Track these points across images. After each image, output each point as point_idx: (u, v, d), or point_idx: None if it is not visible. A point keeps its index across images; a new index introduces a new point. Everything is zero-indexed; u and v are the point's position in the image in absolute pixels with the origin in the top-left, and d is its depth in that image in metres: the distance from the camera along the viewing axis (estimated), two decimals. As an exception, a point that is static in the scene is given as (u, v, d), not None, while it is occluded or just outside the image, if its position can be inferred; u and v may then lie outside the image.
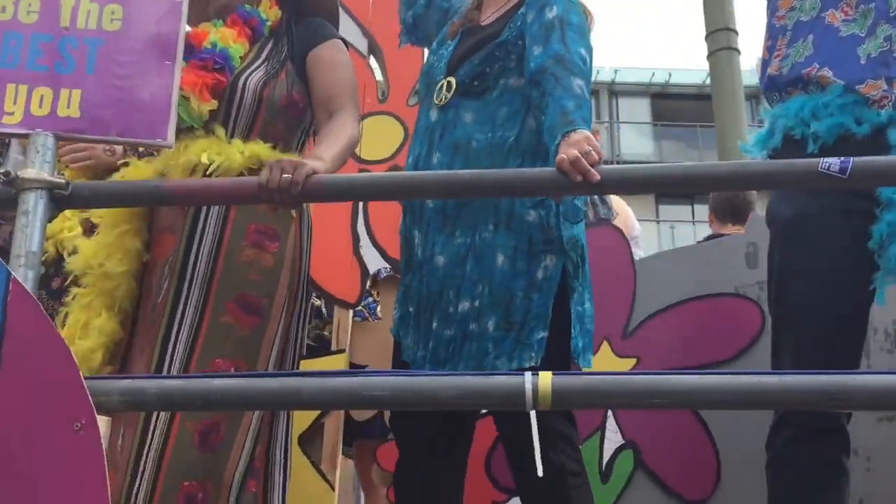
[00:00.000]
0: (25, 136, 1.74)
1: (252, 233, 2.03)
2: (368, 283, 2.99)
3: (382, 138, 3.10)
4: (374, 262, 2.97)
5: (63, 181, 1.71)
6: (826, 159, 1.62)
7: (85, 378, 1.46)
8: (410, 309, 2.16)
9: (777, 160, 1.66)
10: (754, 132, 2.17)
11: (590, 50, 2.09)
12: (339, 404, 1.98)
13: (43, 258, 2.20)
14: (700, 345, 2.90)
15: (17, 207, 1.67)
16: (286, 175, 1.73)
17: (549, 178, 1.70)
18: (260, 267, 2.01)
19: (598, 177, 1.67)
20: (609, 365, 2.88)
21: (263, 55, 2.19)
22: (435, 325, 2.06)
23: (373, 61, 3.25)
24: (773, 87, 2.12)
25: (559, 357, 2.01)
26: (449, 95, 2.16)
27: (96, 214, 2.10)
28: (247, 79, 2.11)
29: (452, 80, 2.17)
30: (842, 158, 1.61)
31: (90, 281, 2.00)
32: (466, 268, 2.05)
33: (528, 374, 1.48)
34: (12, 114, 1.73)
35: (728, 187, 1.92)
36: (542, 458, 1.51)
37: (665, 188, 2.01)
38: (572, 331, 2.04)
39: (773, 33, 2.16)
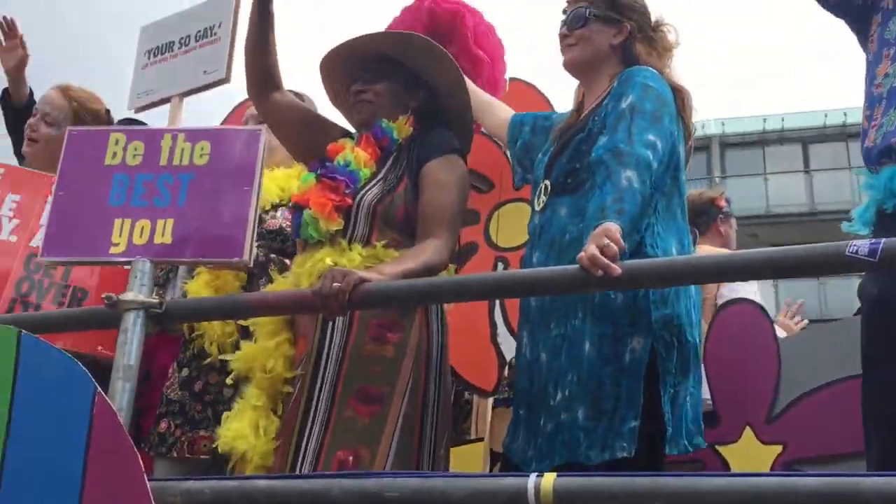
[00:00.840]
0: (127, 262, 2.02)
1: (374, 327, 2.16)
2: (506, 371, 3.05)
3: (518, 226, 3.19)
4: (511, 350, 3.03)
5: (157, 301, 1.97)
6: (855, 242, 1.53)
7: (149, 480, 1.67)
8: (521, 412, 2.22)
9: (807, 245, 1.56)
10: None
11: (662, 134, 2.09)
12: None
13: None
14: (856, 430, 2.69)
15: (119, 326, 1.94)
16: (336, 284, 1.87)
17: (572, 275, 1.71)
18: (381, 358, 2.14)
19: (618, 271, 1.67)
20: (752, 452, 2.74)
21: (383, 171, 2.34)
22: (542, 421, 2.11)
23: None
24: (869, 158, 2.01)
25: (654, 445, 1.99)
26: (545, 199, 2.23)
27: (251, 322, 2.31)
28: (363, 196, 2.28)
29: (548, 182, 2.25)
30: (872, 240, 1.51)
31: (259, 384, 2.22)
32: (561, 359, 2.08)
33: (532, 476, 1.51)
34: (118, 244, 2.02)
35: (761, 276, 1.83)
36: None
37: (694, 280, 1.94)
38: (664, 416, 2.01)
39: (870, 102, 2.06)
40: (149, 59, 3.58)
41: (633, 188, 1.94)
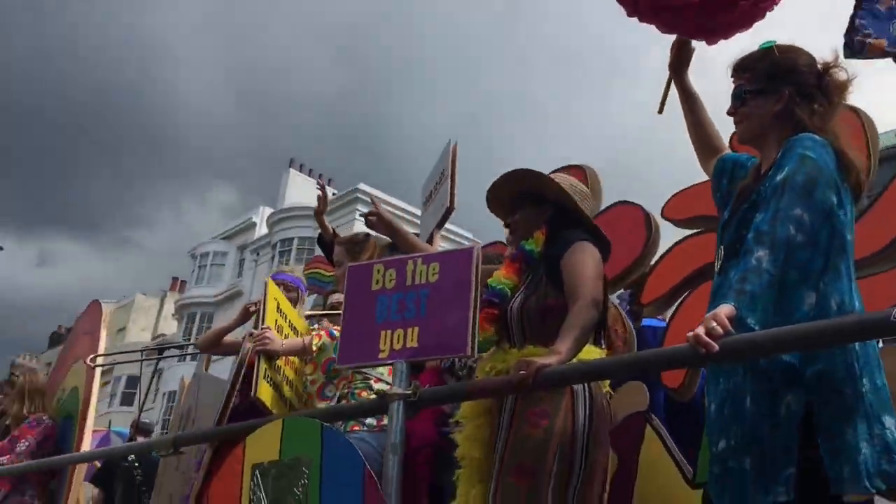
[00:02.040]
0: (390, 363, 2.69)
1: (530, 415, 2.64)
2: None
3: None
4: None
5: (411, 392, 2.60)
6: None
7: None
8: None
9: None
10: None
11: (812, 207, 2.25)
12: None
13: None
14: None
15: (388, 412, 2.60)
16: (522, 372, 2.36)
17: (687, 352, 2.02)
18: (532, 440, 2.60)
19: (715, 348, 1.95)
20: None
21: (526, 280, 2.88)
22: (711, 465, 2.39)
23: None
24: None
25: (814, 489, 2.17)
26: (720, 262, 2.50)
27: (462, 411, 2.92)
28: (512, 304, 2.82)
29: (721, 248, 2.52)
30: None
31: (466, 464, 2.81)
32: (724, 410, 2.35)
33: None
34: (384, 351, 2.70)
35: (848, 340, 1.90)
36: None
37: (775, 351, 2.05)
38: (825, 463, 2.17)
39: None
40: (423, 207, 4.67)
41: (760, 268, 2.15)
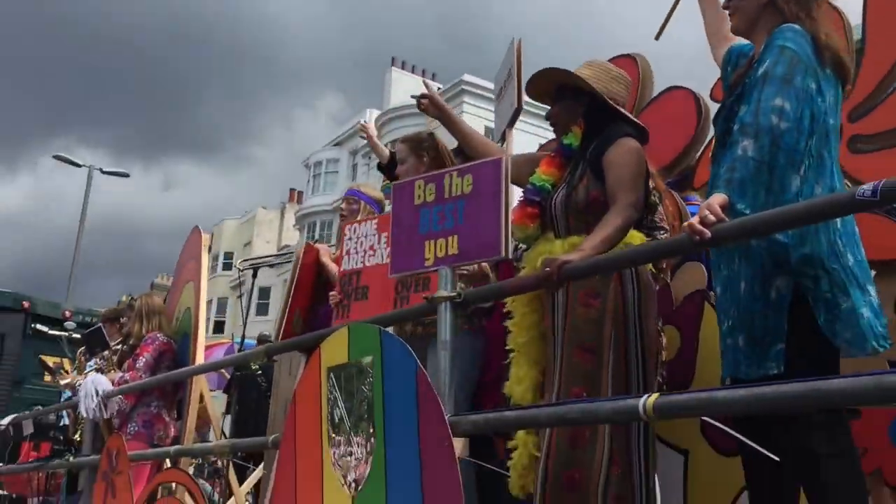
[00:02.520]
0: (435, 270, 2.95)
1: (581, 296, 2.88)
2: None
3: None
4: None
5: (457, 293, 2.87)
6: (863, 186, 1.82)
7: (448, 417, 2.59)
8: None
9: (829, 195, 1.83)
10: None
11: (792, 95, 2.37)
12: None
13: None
14: None
15: (436, 313, 2.88)
16: (547, 269, 2.59)
17: (683, 241, 2.22)
18: (588, 318, 2.84)
19: (707, 235, 2.14)
20: None
21: (568, 175, 3.07)
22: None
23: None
24: None
25: (804, 362, 2.36)
26: (714, 150, 2.67)
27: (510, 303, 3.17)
28: (555, 198, 3.00)
29: (714, 139, 2.68)
30: (875, 182, 1.80)
31: (516, 348, 3.08)
32: (727, 294, 2.55)
33: (643, 397, 2.10)
34: (428, 259, 2.97)
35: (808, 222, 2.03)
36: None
37: (762, 234, 2.19)
38: (826, 334, 2.35)
39: None
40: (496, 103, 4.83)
41: (745, 156, 2.31)
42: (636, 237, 2.95)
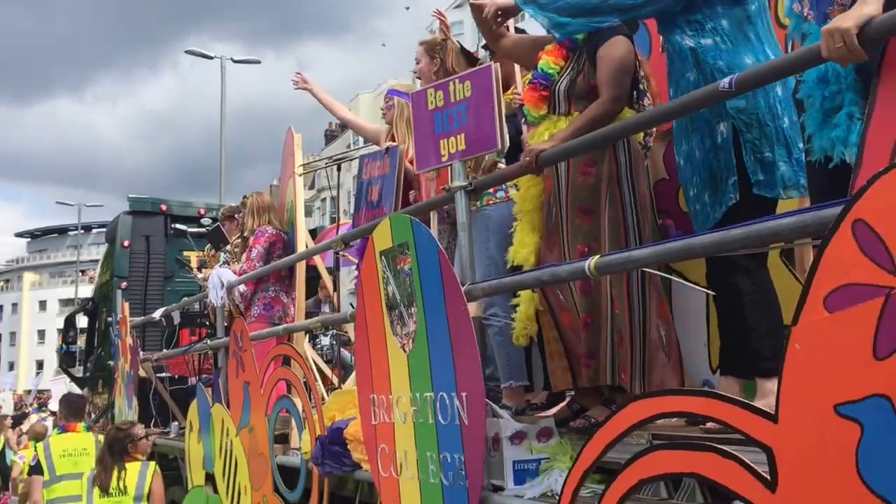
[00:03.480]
0: (448, 166, 3.52)
1: (581, 165, 3.37)
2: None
3: None
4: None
5: (468, 182, 3.44)
6: (724, 80, 2.29)
7: (465, 287, 3.22)
8: None
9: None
10: None
11: None
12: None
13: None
14: None
15: (454, 201, 3.46)
16: (527, 158, 3.12)
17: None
18: (587, 184, 3.35)
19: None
20: None
21: (570, 64, 3.50)
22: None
23: None
24: None
25: (747, 194, 2.86)
26: None
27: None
28: (558, 86, 3.46)
29: None
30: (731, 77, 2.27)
31: (521, 216, 3.63)
32: (689, 165, 3.03)
33: (588, 260, 2.66)
34: (444, 155, 3.54)
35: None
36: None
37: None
38: (749, 171, 2.84)
39: None
40: None
41: None
42: (627, 113, 3.40)
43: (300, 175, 6.22)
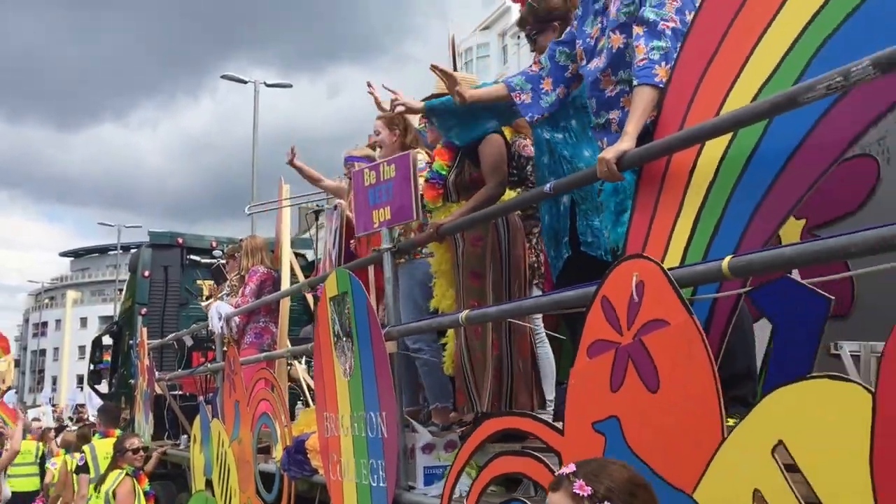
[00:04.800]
0: (378, 231, 4.43)
1: (471, 238, 4.26)
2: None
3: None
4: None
5: (393, 245, 4.34)
6: (547, 185, 3.19)
7: (386, 329, 4.12)
8: None
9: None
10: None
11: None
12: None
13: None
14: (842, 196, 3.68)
15: (382, 261, 4.38)
16: (430, 230, 4.03)
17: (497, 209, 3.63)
18: (475, 254, 4.24)
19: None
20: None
21: (456, 162, 4.39)
22: None
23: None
24: None
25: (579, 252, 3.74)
26: None
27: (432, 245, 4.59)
28: (448, 181, 4.36)
29: None
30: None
31: (438, 274, 4.52)
32: (544, 228, 3.93)
33: (462, 313, 3.55)
34: (376, 223, 4.44)
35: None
36: None
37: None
38: (579, 232, 3.73)
39: None
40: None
41: None
42: (510, 194, 4.30)
43: (248, 214, 7.18)
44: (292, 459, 5.11)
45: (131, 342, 11.13)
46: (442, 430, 4.66)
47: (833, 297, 2.50)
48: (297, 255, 8.92)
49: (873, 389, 1.91)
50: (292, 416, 6.02)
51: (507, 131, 4.56)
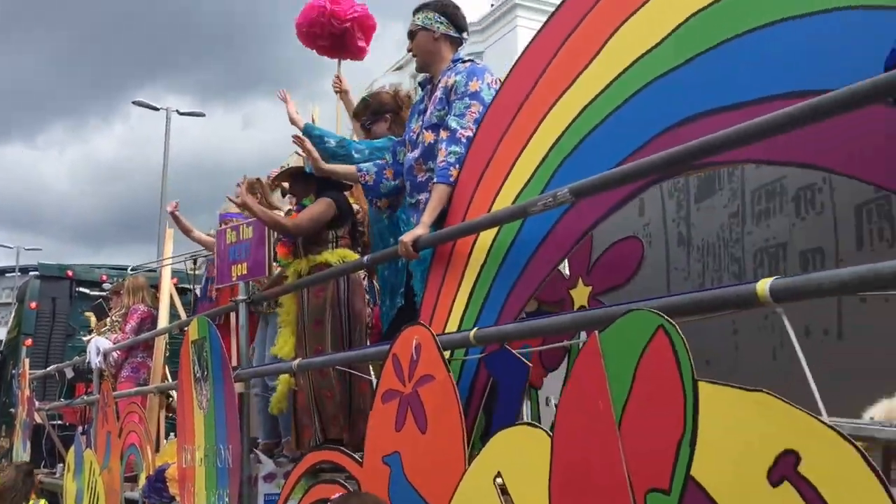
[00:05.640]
0: (236, 284, 5.02)
1: (315, 290, 4.87)
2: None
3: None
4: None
5: (248, 297, 4.93)
6: (366, 257, 3.84)
7: (236, 372, 4.70)
8: None
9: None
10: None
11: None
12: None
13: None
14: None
15: (237, 310, 4.96)
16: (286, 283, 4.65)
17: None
18: (317, 304, 4.85)
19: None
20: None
21: (295, 247, 5.03)
22: None
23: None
24: None
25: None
26: None
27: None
28: (297, 239, 4.99)
29: None
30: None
31: (284, 323, 5.12)
32: (382, 281, 4.59)
33: (295, 360, 4.16)
34: (234, 277, 5.03)
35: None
36: None
37: None
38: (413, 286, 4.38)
39: None
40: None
41: None
42: (350, 255, 4.95)
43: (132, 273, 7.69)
44: (153, 487, 5.61)
45: (14, 371, 11.33)
46: (291, 461, 5.24)
47: (531, 364, 3.21)
48: (185, 290, 9.36)
49: (552, 434, 2.60)
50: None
51: (354, 199, 5.21)
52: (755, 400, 1.92)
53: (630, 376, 2.27)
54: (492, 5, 37.58)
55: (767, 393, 1.88)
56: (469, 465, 2.98)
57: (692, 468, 2.08)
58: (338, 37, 5.27)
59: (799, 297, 1.91)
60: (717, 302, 2.15)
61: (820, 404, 1.94)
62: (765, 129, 2.33)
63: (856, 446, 1.70)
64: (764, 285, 1.95)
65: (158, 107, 23.54)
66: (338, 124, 5.10)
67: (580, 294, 4.62)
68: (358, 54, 5.38)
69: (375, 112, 4.74)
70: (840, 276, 1.82)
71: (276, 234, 4.97)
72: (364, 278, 5.10)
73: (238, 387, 4.72)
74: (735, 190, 4.14)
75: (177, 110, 23.92)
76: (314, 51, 5.43)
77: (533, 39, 3.56)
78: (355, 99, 5.34)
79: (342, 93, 5.41)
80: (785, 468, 1.85)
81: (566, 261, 4.80)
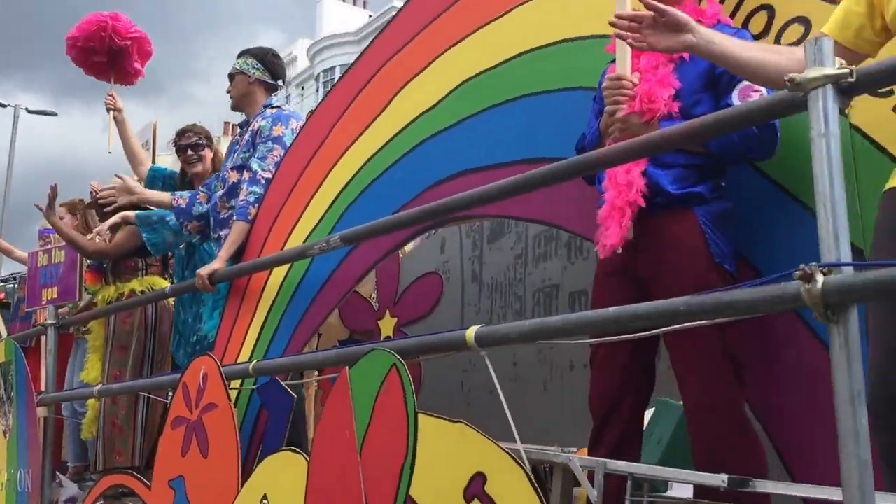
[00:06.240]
0: (45, 307, 5.07)
1: (122, 316, 4.98)
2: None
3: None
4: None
5: (57, 321, 5.00)
6: (168, 287, 3.99)
7: (39, 397, 4.74)
8: None
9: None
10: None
11: None
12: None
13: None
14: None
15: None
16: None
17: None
18: (124, 330, 4.96)
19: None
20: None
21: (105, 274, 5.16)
22: None
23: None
24: None
25: None
26: None
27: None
28: (105, 266, 5.10)
29: None
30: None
31: (92, 349, 5.20)
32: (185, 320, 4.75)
33: (96, 386, 4.26)
34: (44, 300, 5.07)
35: None
36: None
37: None
38: None
39: None
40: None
41: None
42: (160, 283, 5.08)
43: None
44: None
45: None
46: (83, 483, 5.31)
47: (295, 395, 3.49)
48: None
49: (308, 459, 2.85)
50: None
51: None
52: (458, 430, 2.23)
53: (370, 407, 2.55)
54: (370, 16, 37.84)
55: (466, 424, 2.19)
56: (241, 488, 3.20)
57: (411, 488, 2.38)
58: (114, 55, 5.20)
59: (496, 342, 2.23)
60: (441, 344, 2.46)
61: (514, 432, 2.27)
62: (504, 190, 2.66)
63: (523, 468, 2.02)
64: (471, 333, 2.27)
65: (6, 103, 22.09)
66: (109, 141, 5.13)
67: (387, 325, 4.92)
68: (132, 77, 5.35)
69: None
70: (521, 328, 2.16)
71: (87, 260, 5.06)
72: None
73: (41, 411, 4.75)
74: (520, 234, 4.53)
75: (26, 108, 22.56)
76: (82, 69, 5.26)
77: (329, 91, 3.85)
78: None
79: (116, 111, 5.25)
80: (476, 487, 2.16)
81: (376, 292, 5.10)
